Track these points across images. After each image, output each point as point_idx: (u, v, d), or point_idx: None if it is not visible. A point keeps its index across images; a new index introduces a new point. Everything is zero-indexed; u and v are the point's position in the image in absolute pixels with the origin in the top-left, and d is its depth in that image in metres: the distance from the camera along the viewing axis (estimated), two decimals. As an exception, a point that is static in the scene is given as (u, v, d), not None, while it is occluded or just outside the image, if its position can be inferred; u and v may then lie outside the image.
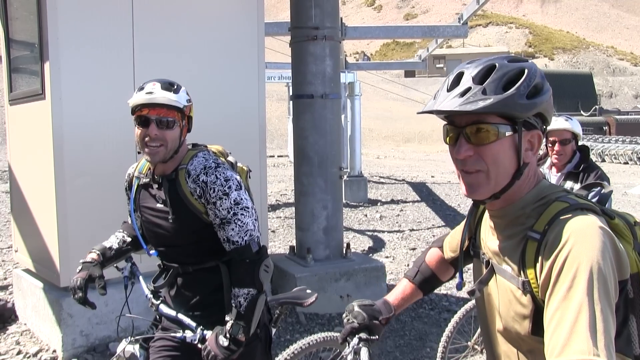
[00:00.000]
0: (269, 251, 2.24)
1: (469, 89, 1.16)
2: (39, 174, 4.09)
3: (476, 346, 3.62)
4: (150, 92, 1.99)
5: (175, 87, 2.06)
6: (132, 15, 4.04)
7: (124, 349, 2.19)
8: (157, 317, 2.23)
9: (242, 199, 2.04)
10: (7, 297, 4.96)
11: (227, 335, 1.93)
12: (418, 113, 1.30)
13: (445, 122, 1.25)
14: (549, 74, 42.82)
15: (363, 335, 1.63)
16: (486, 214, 1.35)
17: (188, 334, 2.05)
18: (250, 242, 2.01)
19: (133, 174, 2.24)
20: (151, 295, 2.19)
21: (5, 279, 5.57)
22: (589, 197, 1.42)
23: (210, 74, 4.40)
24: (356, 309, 1.65)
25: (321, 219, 5.23)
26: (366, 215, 9.82)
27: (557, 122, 3.45)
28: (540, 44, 74.88)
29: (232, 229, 2.01)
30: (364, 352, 1.62)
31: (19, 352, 4.03)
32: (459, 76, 1.21)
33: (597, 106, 44.32)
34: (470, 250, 1.44)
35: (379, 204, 10.98)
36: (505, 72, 1.16)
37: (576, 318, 1.01)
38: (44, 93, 3.86)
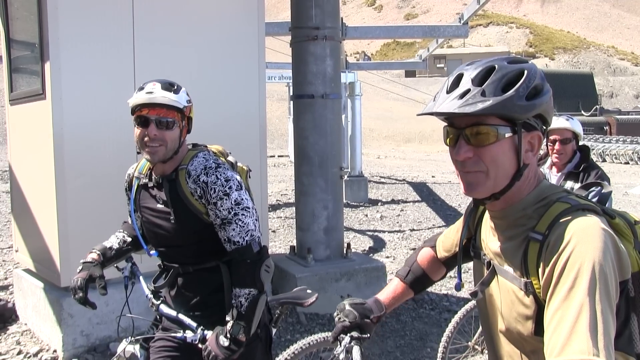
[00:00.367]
0: (269, 251, 2.24)
1: (468, 91, 1.16)
2: (40, 174, 4.09)
3: (477, 346, 3.62)
4: (150, 92, 1.99)
5: (175, 87, 2.06)
6: (133, 15, 4.04)
7: (125, 349, 2.19)
8: (158, 317, 2.23)
9: (242, 199, 2.04)
10: (8, 297, 4.96)
11: (228, 335, 1.93)
12: (418, 115, 1.30)
13: (446, 124, 1.25)
14: (549, 74, 42.87)
15: (355, 333, 1.63)
16: (486, 215, 1.35)
17: (188, 334, 2.05)
18: (251, 242, 2.01)
19: (133, 174, 2.24)
20: (151, 296, 2.19)
21: (6, 278, 5.57)
22: (589, 197, 1.42)
23: (211, 75, 4.40)
24: (347, 307, 1.65)
25: (322, 219, 5.23)
26: (367, 215, 9.81)
27: (558, 122, 3.45)
28: (540, 43, 74.84)
29: (233, 229, 2.00)
30: (356, 351, 1.62)
31: (20, 352, 4.03)
32: (459, 78, 1.21)
33: (597, 106, 44.24)
34: (471, 251, 1.44)
35: (379, 204, 10.98)
36: (504, 74, 1.16)
37: (577, 318, 1.01)
38: (45, 93, 3.86)
